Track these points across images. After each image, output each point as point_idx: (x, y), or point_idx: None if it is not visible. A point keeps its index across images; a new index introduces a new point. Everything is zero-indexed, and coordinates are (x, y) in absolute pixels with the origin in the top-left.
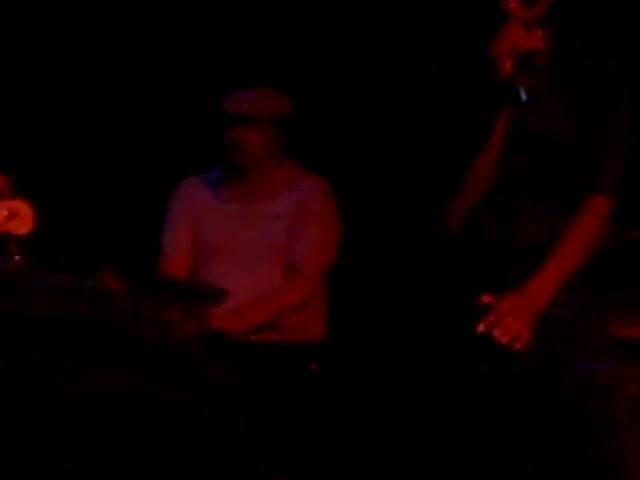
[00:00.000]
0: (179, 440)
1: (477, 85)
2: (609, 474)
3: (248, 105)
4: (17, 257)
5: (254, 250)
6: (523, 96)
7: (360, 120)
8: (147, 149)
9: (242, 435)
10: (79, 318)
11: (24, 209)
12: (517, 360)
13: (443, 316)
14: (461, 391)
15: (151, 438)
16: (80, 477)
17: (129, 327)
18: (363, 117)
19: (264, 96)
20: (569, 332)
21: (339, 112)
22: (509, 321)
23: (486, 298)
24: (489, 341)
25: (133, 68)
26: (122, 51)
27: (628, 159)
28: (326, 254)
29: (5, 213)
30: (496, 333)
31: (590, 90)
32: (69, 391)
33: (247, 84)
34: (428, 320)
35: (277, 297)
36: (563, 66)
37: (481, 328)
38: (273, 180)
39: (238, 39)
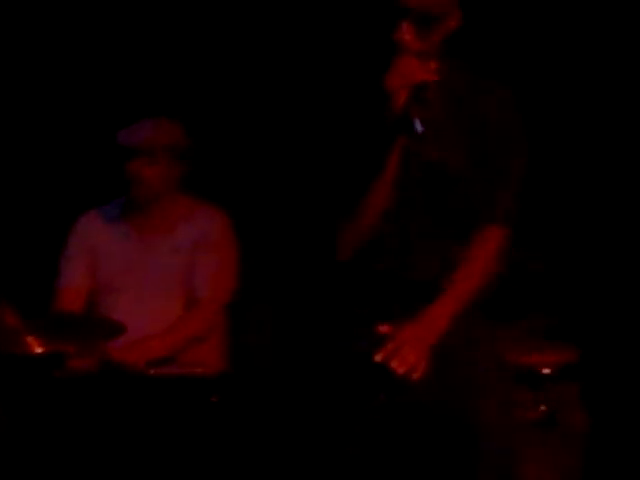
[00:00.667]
0: None
1: (373, 116)
2: None
3: (142, 137)
4: None
5: (153, 283)
6: (418, 128)
7: (258, 149)
8: (46, 181)
9: None
10: None
11: None
12: (414, 390)
13: (341, 346)
14: (359, 421)
15: None
16: None
17: None
18: (260, 146)
19: (158, 127)
20: (463, 361)
21: (236, 142)
22: (406, 351)
23: (383, 328)
24: (386, 371)
25: (38, 99)
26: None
27: (523, 189)
28: (226, 286)
29: None
30: (394, 364)
31: (480, 122)
32: None
33: (146, 115)
34: (326, 350)
35: (177, 329)
36: (455, 98)
37: (378, 358)
38: (172, 213)
39: (137, 71)
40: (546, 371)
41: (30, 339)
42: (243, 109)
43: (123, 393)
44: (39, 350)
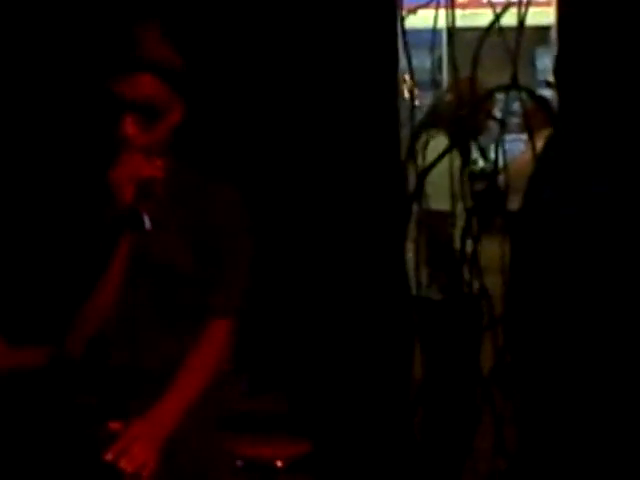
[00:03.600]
0: None
1: (99, 211)
2: None
3: None
4: None
5: None
6: (147, 223)
7: None
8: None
9: None
10: None
11: None
12: None
13: (73, 444)
14: None
15: None
16: None
17: None
18: None
19: None
20: (192, 457)
21: None
22: (136, 449)
23: (114, 425)
24: (116, 470)
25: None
26: None
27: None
28: None
29: None
30: (122, 463)
31: (206, 223)
32: None
33: None
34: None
35: None
36: (180, 196)
37: (109, 457)
38: None
39: None
40: (279, 464)
41: None
42: None
43: None
44: None
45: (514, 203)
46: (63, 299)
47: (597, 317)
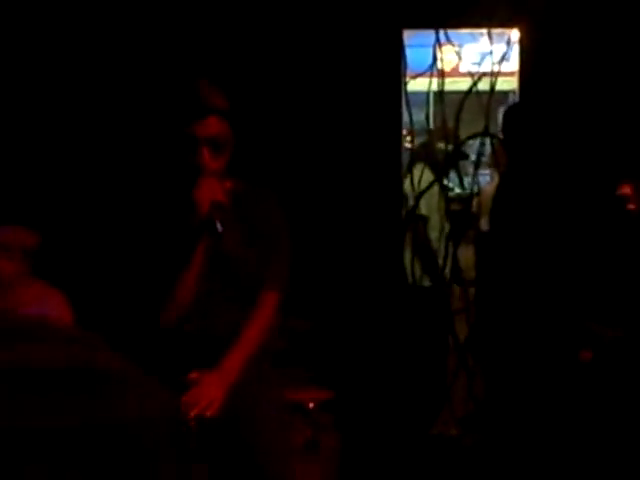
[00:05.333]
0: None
1: (187, 220)
2: None
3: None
4: None
5: None
6: (219, 227)
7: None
8: None
9: None
10: None
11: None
12: (214, 422)
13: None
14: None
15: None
16: None
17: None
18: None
19: (13, 230)
20: (252, 399)
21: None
22: (209, 392)
23: (193, 375)
24: (193, 408)
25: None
26: None
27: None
28: None
29: None
30: (200, 401)
31: (256, 220)
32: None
33: None
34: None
35: None
36: (237, 203)
37: (186, 398)
38: (22, 295)
39: None
40: (311, 405)
41: None
42: None
43: None
44: None
45: (483, 223)
46: (160, 284)
47: (535, 304)
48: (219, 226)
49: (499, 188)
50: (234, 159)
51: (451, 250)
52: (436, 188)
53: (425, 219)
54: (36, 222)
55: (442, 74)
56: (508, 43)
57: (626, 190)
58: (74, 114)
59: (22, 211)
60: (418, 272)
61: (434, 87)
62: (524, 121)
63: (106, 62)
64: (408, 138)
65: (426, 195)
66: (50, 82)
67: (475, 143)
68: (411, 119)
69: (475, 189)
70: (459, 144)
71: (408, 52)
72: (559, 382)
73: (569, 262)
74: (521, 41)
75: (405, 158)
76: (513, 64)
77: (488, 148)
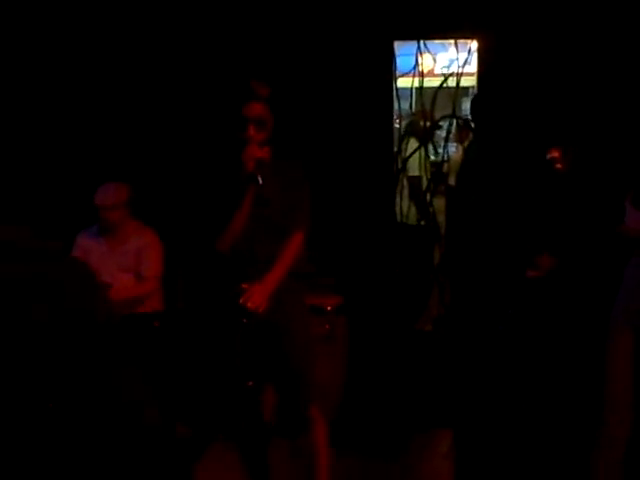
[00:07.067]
0: None
1: (236, 174)
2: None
3: (109, 198)
4: None
5: (116, 269)
6: (260, 180)
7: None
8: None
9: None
10: None
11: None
12: (259, 317)
13: (224, 296)
14: (231, 335)
15: None
16: None
17: None
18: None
19: (116, 189)
20: (284, 302)
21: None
22: (255, 297)
23: (244, 285)
24: (245, 307)
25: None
26: None
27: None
28: (160, 266)
29: None
30: (249, 304)
31: (287, 177)
32: None
33: None
34: (216, 300)
35: (134, 289)
36: (277, 166)
37: (241, 300)
38: (126, 232)
39: None
40: (329, 308)
41: None
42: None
43: None
44: None
45: (451, 180)
46: (219, 220)
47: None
48: (260, 179)
49: (466, 154)
50: (273, 134)
51: (429, 198)
52: (419, 155)
53: (419, 178)
54: (132, 179)
55: (422, 74)
56: (469, 51)
57: (555, 154)
58: (169, 99)
59: (120, 170)
60: (406, 213)
61: (416, 84)
62: (485, 107)
63: (187, 63)
64: (397, 120)
65: (415, 163)
66: (138, 72)
67: (445, 123)
68: (399, 107)
69: (445, 157)
70: (434, 123)
71: (397, 58)
72: (510, 290)
73: (515, 206)
74: (479, 49)
75: (395, 135)
76: (473, 66)
77: (454, 127)
